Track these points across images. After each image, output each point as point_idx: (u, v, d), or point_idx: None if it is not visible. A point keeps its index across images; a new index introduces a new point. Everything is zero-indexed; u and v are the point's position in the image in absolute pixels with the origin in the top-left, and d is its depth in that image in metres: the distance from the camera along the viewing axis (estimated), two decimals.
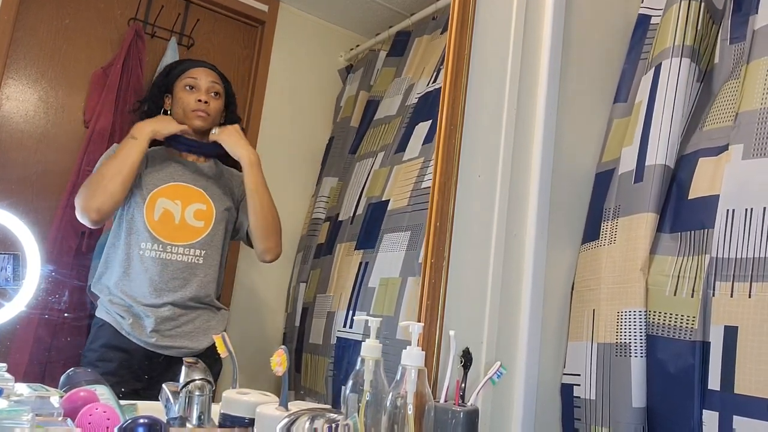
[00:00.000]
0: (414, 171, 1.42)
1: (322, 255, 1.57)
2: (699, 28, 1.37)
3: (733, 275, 1.14)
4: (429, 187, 1.31)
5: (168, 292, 1.26)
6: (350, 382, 1.03)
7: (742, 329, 1.11)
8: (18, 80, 1.23)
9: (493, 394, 1.31)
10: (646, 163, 1.33)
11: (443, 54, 1.39)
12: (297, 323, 1.54)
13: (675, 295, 1.23)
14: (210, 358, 1.14)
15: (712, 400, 1.13)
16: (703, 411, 1.14)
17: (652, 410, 1.23)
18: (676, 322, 1.22)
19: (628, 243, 1.32)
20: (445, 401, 1.15)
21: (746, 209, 1.15)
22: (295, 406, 1.00)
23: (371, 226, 1.47)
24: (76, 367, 1.06)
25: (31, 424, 0.78)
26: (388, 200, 1.47)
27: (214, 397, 1.05)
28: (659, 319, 1.24)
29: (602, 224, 1.41)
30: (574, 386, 1.36)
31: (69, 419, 0.89)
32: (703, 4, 1.38)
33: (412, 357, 1.05)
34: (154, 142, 1.34)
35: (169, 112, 1.34)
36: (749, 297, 1.11)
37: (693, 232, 1.24)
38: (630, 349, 1.25)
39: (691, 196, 1.27)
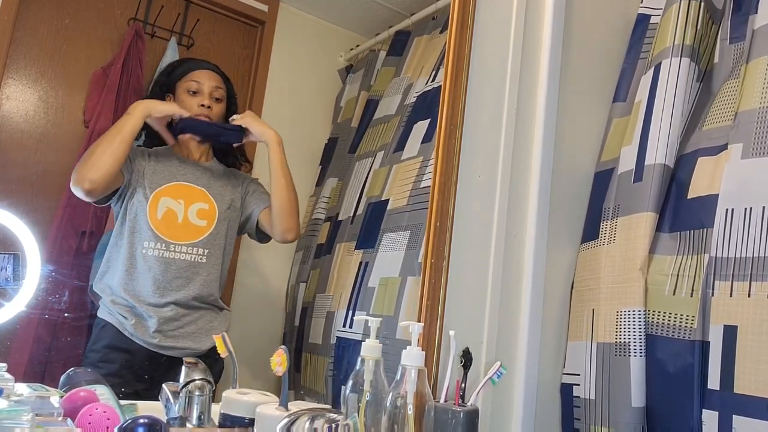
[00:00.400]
0: (413, 170, 1.42)
1: (322, 255, 1.57)
2: (699, 27, 1.37)
3: (733, 274, 1.14)
4: (428, 187, 1.32)
5: (171, 291, 1.26)
6: (350, 382, 1.03)
7: (741, 328, 1.11)
8: (18, 80, 1.23)
9: (493, 394, 1.31)
10: (646, 163, 1.33)
11: (442, 53, 1.39)
12: (296, 323, 1.54)
13: (674, 294, 1.23)
14: (212, 359, 1.14)
15: (711, 400, 1.13)
16: (703, 410, 1.14)
17: (652, 410, 1.23)
18: (675, 321, 1.22)
19: (627, 242, 1.32)
20: (445, 401, 1.15)
21: (745, 208, 1.15)
22: (295, 406, 1.00)
23: (371, 226, 1.48)
24: (76, 367, 1.06)
25: (31, 424, 0.78)
26: (388, 200, 1.47)
27: (214, 397, 1.05)
28: (659, 319, 1.24)
29: (601, 224, 1.41)
30: (574, 386, 1.37)
31: (69, 419, 0.89)
32: (702, 3, 1.38)
33: (412, 357, 1.05)
34: (156, 142, 1.34)
35: None
36: (748, 296, 1.11)
37: (692, 231, 1.24)
38: (629, 349, 1.25)
39: (690, 196, 1.27)
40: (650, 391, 1.23)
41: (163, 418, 0.97)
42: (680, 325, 1.21)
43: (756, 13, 1.28)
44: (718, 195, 1.20)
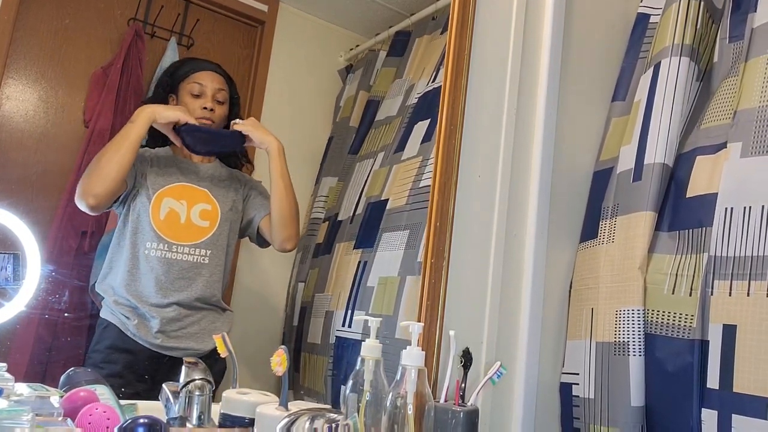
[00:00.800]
0: (412, 170, 1.42)
1: (321, 254, 1.57)
2: (698, 27, 1.37)
3: (732, 274, 1.14)
4: (427, 186, 1.32)
5: (174, 291, 1.27)
6: (350, 382, 1.03)
7: (740, 328, 1.11)
8: (18, 80, 1.23)
9: (493, 394, 1.31)
10: (645, 162, 1.33)
11: (443, 54, 1.39)
12: (295, 323, 1.54)
13: (673, 293, 1.23)
14: (214, 359, 1.14)
15: (710, 399, 1.13)
16: (702, 410, 1.14)
17: (651, 409, 1.23)
18: (674, 320, 1.22)
19: (626, 241, 1.32)
20: (445, 401, 1.15)
21: (744, 207, 1.15)
22: (295, 405, 1.00)
23: (370, 226, 1.48)
24: (76, 367, 1.06)
25: (31, 424, 0.78)
26: (387, 199, 1.47)
27: (214, 397, 1.05)
28: (658, 318, 1.24)
29: (600, 223, 1.41)
30: (573, 385, 1.37)
31: (69, 419, 0.89)
32: (702, 3, 1.38)
33: (412, 357, 1.05)
34: (158, 143, 1.34)
35: None
36: (748, 295, 1.11)
37: (691, 230, 1.24)
38: (629, 348, 1.25)
39: (689, 195, 1.27)
40: (649, 391, 1.23)
41: (163, 418, 0.97)
42: (679, 325, 1.21)
43: (755, 11, 1.28)
44: (717, 194, 1.20)
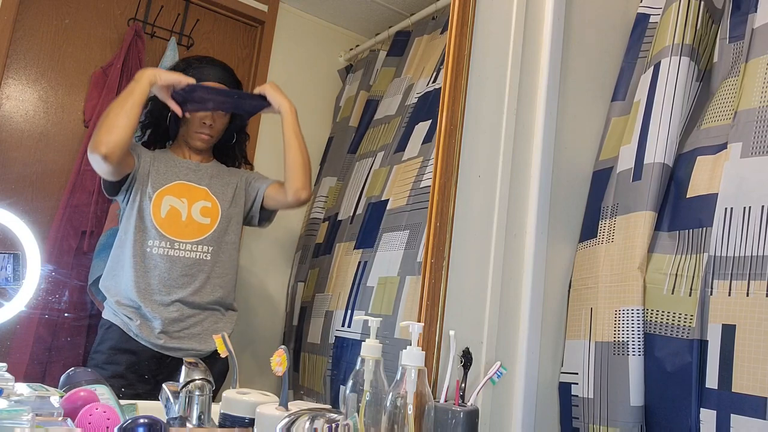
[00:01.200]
0: (413, 170, 1.42)
1: (321, 254, 1.57)
2: (698, 27, 1.37)
3: (731, 274, 1.14)
4: (427, 186, 1.32)
5: (177, 288, 1.27)
6: (350, 382, 1.03)
7: (740, 328, 1.11)
8: (18, 80, 1.23)
9: (493, 394, 1.31)
10: (645, 162, 1.33)
11: (443, 54, 1.39)
12: (295, 323, 1.54)
13: (673, 293, 1.23)
14: (216, 360, 1.14)
15: (709, 399, 1.13)
16: (701, 409, 1.14)
17: (650, 408, 1.23)
18: (674, 320, 1.22)
19: (626, 241, 1.32)
20: (445, 401, 1.15)
21: (744, 208, 1.15)
22: (295, 405, 1.00)
23: (370, 226, 1.48)
24: (76, 367, 1.06)
25: (31, 424, 0.78)
26: (387, 199, 1.47)
27: (214, 397, 1.05)
28: (657, 318, 1.24)
29: (600, 222, 1.41)
30: (572, 385, 1.37)
31: (69, 419, 0.89)
32: (702, 3, 1.38)
33: (412, 357, 1.05)
34: (158, 144, 1.34)
35: (173, 118, 1.34)
36: (747, 295, 1.11)
37: (691, 230, 1.24)
38: (628, 348, 1.25)
39: (689, 195, 1.27)
40: (648, 390, 1.23)
41: (163, 418, 0.97)
42: (679, 324, 1.21)
43: (755, 12, 1.28)
44: (717, 194, 1.20)
